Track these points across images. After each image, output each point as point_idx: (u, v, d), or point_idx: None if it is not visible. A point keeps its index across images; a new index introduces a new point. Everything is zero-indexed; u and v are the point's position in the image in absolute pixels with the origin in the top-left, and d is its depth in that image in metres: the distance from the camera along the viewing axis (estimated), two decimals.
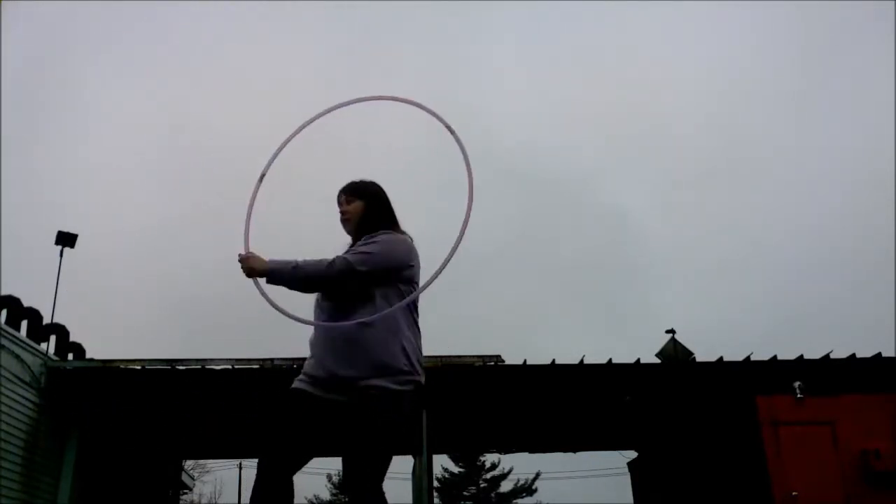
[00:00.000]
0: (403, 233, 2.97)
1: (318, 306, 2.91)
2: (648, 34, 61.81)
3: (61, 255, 12.19)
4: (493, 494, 33.25)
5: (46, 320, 10.42)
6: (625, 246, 61.27)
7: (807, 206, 56.25)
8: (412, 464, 12.11)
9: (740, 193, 57.29)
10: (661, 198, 58.17)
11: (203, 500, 30.68)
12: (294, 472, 2.72)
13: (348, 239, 3.02)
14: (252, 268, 2.78)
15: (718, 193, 59.39)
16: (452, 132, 2.81)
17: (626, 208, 63.16)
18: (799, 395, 9.20)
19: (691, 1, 51.23)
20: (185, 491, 18.02)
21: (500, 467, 33.03)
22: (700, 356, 11.34)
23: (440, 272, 2.65)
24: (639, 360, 9.79)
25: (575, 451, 14.89)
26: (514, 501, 33.15)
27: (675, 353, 11.68)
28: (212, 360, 9.21)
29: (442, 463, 32.13)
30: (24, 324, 9.64)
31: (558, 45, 59.52)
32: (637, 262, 56.99)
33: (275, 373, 9.11)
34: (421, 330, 2.96)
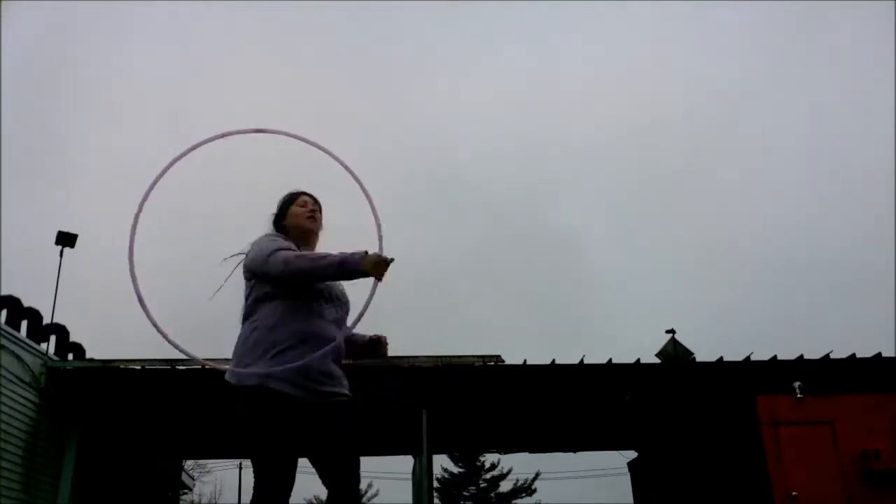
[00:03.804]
0: None
1: (334, 312, 2.89)
2: (587, 44, 62.11)
3: (61, 255, 12.20)
4: (492, 494, 33.22)
5: (46, 320, 10.42)
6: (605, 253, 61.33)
7: (807, 206, 56.27)
8: (412, 464, 12.12)
9: (737, 192, 57.35)
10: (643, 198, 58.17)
11: (203, 500, 30.66)
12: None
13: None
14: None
15: (714, 191, 59.44)
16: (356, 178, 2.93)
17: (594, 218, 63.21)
18: (799, 395, 9.20)
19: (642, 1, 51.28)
20: (185, 491, 18.02)
21: (499, 467, 33.01)
22: (700, 356, 11.35)
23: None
24: (639, 360, 9.79)
25: (575, 451, 14.89)
26: (514, 501, 33.12)
27: (675, 353, 11.70)
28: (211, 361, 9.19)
29: (442, 463, 32.13)
30: (24, 324, 9.64)
31: (506, 60, 59.72)
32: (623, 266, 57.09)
33: None
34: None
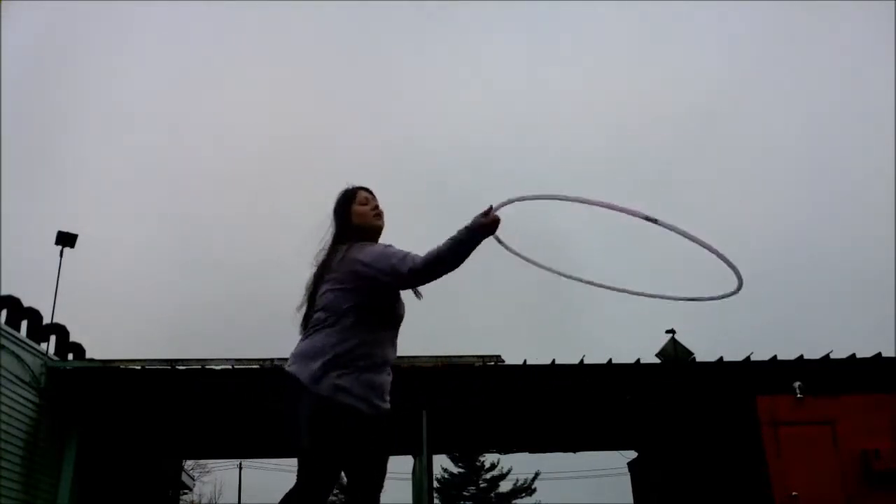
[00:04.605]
0: None
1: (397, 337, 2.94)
2: (583, 46, 62.16)
3: (61, 255, 12.20)
4: (492, 494, 33.23)
5: (46, 320, 10.42)
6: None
7: (807, 206, 56.30)
8: (412, 464, 12.12)
9: (738, 192, 57.35)
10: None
11: (203, 500, 30.68)
12: None
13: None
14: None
15: (714, 191, 59.43)
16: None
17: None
18: (799, 395, 9.20)
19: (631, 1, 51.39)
20: (185, 491, 18.03)
21: (499, 467, 33.02)
22: (700, 356, 11.35)
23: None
24: (639, 360, 9.79)
25: (575, 451, 14.89)
26: (514, 501, 33.14)
27: (675, 353, 11.69)
28: (212, 360, 9.21)
29: (441, 463, 32.14)
30: (24, 324, 9.64)
31: (499, 63, 59.85)
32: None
33: (275, 373, 9.11)
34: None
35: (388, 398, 2.84)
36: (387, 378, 2.81)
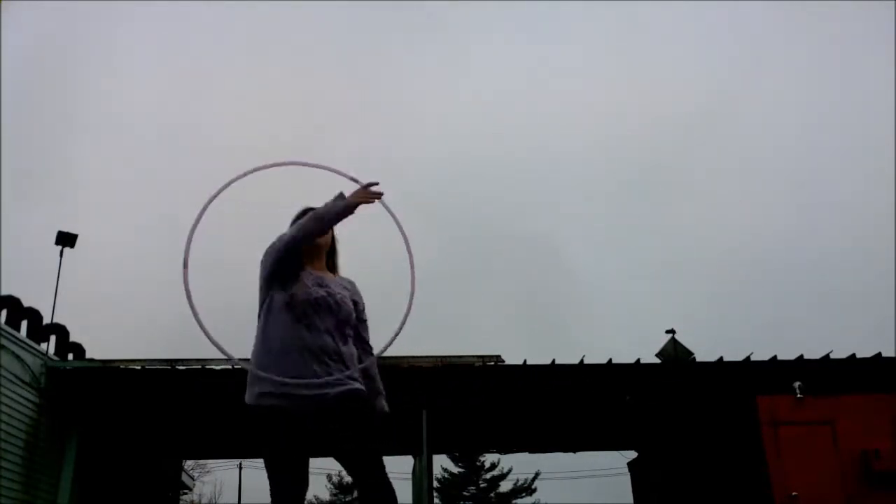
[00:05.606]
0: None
1: (328, 321, 2.96)
2: (575, 50, 62.25)
3: (61, 255, 12.20)
4: (492, 494, 33.26)
5: (46, 320, 10.42)
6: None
7: (807, 206, 56.29)
8: (412, 464, 12.12)
9: (738, 193, 57.33)
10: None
11: (203, 500, 30.70)
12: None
13: None
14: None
15: (715, 192, 59.42)
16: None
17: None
18: (799, 395, 9.20)
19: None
20: (185, 491, 18.02)
21: (499, 467, 33.05)
22: (700, 356, 11.35)
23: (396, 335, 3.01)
24: (639, 360, 9.79)
25: (575, 451, 14.90)
26: (514, 501, 33.16)
27: (675, 353, 11.68)
28: (212, 360, 9.20)
29: (442, 463, 32.16)
30: (24, 324, 9.63)
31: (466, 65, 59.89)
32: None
33: None
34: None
35: (323, 382, 2.78)
36: (315, 366, 2.79)
